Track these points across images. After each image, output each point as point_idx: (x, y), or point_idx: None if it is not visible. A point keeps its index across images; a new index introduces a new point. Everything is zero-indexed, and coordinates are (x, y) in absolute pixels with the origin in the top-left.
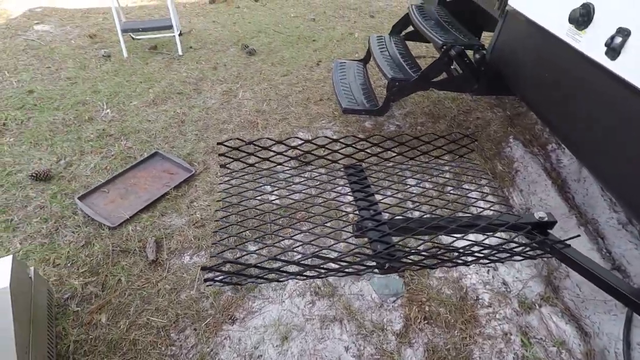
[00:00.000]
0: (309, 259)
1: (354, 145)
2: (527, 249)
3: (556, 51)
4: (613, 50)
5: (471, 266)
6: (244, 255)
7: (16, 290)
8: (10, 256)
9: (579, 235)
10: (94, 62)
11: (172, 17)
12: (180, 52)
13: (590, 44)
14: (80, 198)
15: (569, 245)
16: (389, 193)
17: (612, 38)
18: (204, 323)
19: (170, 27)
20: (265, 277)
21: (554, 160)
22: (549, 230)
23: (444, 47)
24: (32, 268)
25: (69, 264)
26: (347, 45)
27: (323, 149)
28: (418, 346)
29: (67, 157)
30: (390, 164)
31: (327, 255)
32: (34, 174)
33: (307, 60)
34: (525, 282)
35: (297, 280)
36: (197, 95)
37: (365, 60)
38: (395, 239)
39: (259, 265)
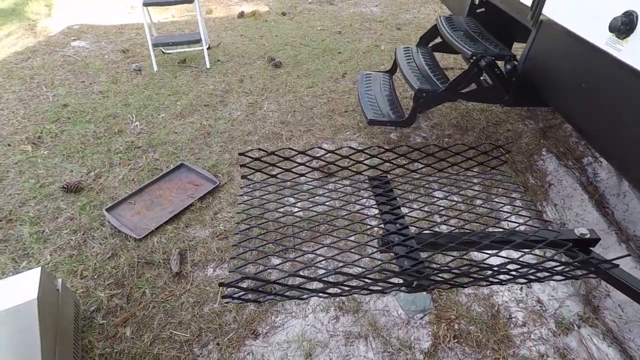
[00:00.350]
0: (332, 276)
1: (379, 156)
2: (568, 268)
3: (595, 61)
4: None
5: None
6: (264, 270)
7: (44, 303)
8: (39, 268)
9: (629, 254)
10: (125, 76)
11: (201, 31)
12: (208, 65)
13: (632, 52)
14: (108, 210)
15: (617, 265)
16: (415, 206)
17: None
18: (226, 338)
19: (199, 41)
20: (285, 294)
21: (590, 174)
22: (591, 248)
23: (474, 57)
24: (59, 280)
25: (95, 276)
26: (373, 58)
27: (347, 159)
28: None
29: (97, 168)
30: (417, 175)
31: (351, 272)
32: (65, 186)
33: (332, 72)
34: (562, 301)
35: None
36: (223, 107)
37: (391, 72)
38: (423, 255)
39: (279, 281)
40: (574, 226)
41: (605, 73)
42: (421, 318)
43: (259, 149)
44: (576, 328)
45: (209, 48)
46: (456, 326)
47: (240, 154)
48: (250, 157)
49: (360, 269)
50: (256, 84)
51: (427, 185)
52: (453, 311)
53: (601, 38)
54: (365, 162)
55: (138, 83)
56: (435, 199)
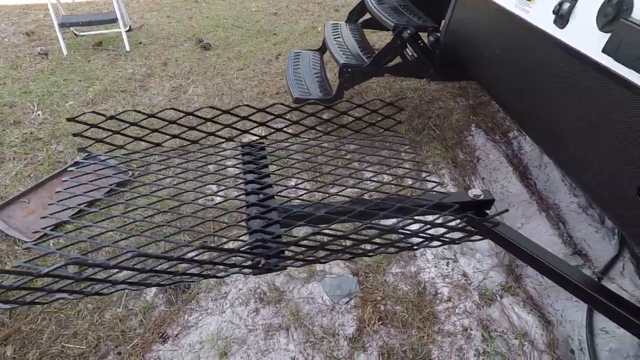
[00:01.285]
0: (130, 261)
1: (251, 119)
2: (450, 230)
3: (506, 26)
4: (561, 18)
5: (429, 259)
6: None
7: None
8: None
9: (507, 210)
10: (28, 61)
11: (117, 9)
12: (127, 48)
13: (539, 14)
14: None
15: (498, 223)
16: (305, 176)
17: (560, 4)
18: (130, 345)
19: (114, 21)
20: (67, 289)
21: (515, 147)
22: (487, 211)
23: (396, 29)
24: None
25: None
26: (309, 39)
27: (213, 124)
28: (372, 350)
29: None
30: (300, 140)
31: (167, 255)
32: None
33: (265, 54)
34: (486, 273)
35: (238, 288)
36: (143, 93)
37: (321, 50)
38: (301, 231)
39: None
40: (500, 198)
41: (516, 37)
42: (347, 302)
43: (94, 112)
44: (499, 298)
45: (129, 30)
46: (382, 307)
47: (68, 120)
48: (84, 124)
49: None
50: (182, 67)
51: (309, 151)
52: (379, 292)
53: (511, 1)
54: (237, 125)
55: (43, 68)
56: (317, 165)
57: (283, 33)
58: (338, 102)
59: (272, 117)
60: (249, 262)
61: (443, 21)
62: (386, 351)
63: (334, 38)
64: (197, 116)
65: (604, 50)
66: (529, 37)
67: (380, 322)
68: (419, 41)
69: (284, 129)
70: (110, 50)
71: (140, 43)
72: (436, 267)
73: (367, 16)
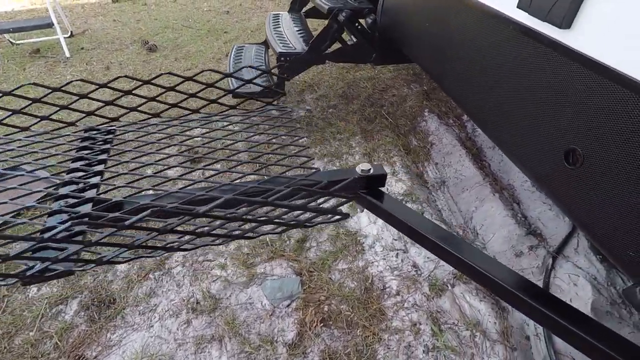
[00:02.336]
0: None
1: (89, 97)
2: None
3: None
4: None
5: (378, 252)
6: None
7: None
8: None
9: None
10: None
11: (52, 14)
12: (67, 54)
13: None
14: None
15: (382, 195)
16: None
17: None
18: None
19: (50, 26)
20: None
21: (469, 130)
22: (381, 188)
23: (331, 12)
24: None
25: None
26: (261, 36)
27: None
28: (313, 356)
29: None
30: (164, 120)
31: None
32: None
33: (215, 53)
34: (438, 262)
35: (170, 298)
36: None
37: (266, 43)
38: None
39: None
40: (454, 182)
41: (441, 7)
42: (288, 305)
43: None
44: (450, 287)
45: (71, 36)
46: (326, 308)
47: None
48: None
49: None
50: (125, 71)
51: (167, 131)
52: (323, 292)
53: None
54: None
55: None
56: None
57: (235, 31)
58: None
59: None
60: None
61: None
62: (328, 355)
63: (274, 28)
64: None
65: (519, 6)
66: (451, 5)
67: (322, 324)
68: (357, 24)
69: (140, 109)
70: (49, 58)
71: (82, 48)
72: (385, 259)
73: (311, 5)
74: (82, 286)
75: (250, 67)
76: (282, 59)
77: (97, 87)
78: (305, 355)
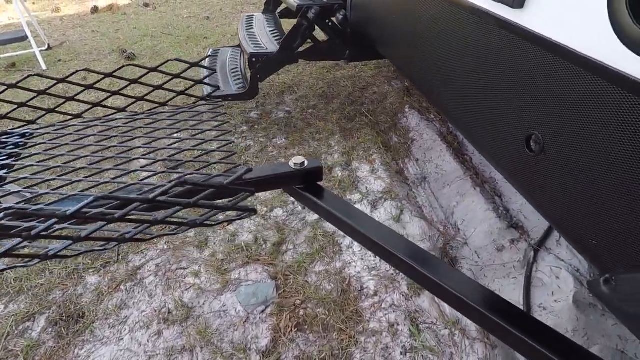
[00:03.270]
0: None
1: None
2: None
3: None
4: None
5: (356, 252)
6: None
7: None
8: None
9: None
10: None
11: (25, 26)
12: (44, 67)
13: None
14: None
15: (320, 190)
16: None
17: None
18: None
19: (24, 39)
20: None
21: (450, 125)
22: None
23: (300, 10)
24: None
25: None
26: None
27: None
28: None
29: None
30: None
31: None
32: None
33: (194, 58)
34: None
35: (141, 310)
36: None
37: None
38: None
39: None
40: (434, 178)
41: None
42: (262, 311)
43: None
44: None
45: (49, 48)
46: (301, 312)
47: None
48: None
49: None
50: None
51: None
52: (299, 295)
53: None
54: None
55: None
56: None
57: (215, 36)
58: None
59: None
60: None
61: None
62: None
63: (247, 29)
64: None
65: None
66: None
67: (297, 329)
68: (327, 21)
69: (59, 110)
70: (25, 71)
71: (60, 60)
72: (362, 259)
73: (285, 5)
74: (51, 301)
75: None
76: (254, 59)
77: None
78: None
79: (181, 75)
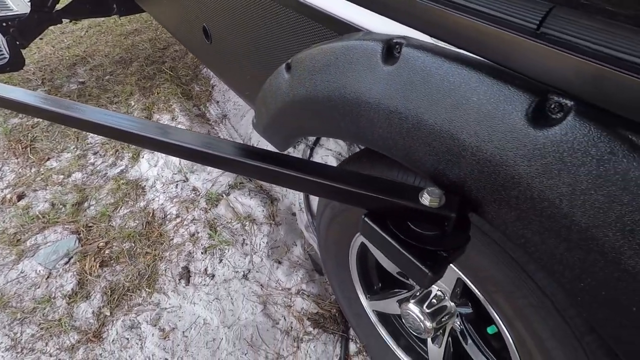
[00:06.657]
0: None
1: None
2: None
3: None
4: None
5: (159, 189)
6: None
7: None
8: None
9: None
10: None
11: None
12: None
13: None
14: None
15: None
16: None
17: None
18: None
19: None
20: None
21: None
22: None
23: None
24: None
25: None
26: None
27: None
28: (95, 294)
29: None
30: None
31: None
32: None
33: None
34: (215, 179)
35: None
36: None
37: None
38: None
39: None
40: (233, 113)
41: None
42: (66, 263)
43: None
44: (225, 196)
45: None
46: (107, 252)
47: None
48: None
49: None
50: None
51: None
52: (103, 239)
53: None
54: None
55: None
56: None
57: None
58: None
59: None
60: None
61: None
62: (109, 289)
63: None
64: None
65: None
66: None
67: (104, 266)
68: None
69: None
70: None
71: None
72: (165, 192)
73: None
74: None
75: None
76: (4, 24)
77: None
78: (88, 297)
79: None
